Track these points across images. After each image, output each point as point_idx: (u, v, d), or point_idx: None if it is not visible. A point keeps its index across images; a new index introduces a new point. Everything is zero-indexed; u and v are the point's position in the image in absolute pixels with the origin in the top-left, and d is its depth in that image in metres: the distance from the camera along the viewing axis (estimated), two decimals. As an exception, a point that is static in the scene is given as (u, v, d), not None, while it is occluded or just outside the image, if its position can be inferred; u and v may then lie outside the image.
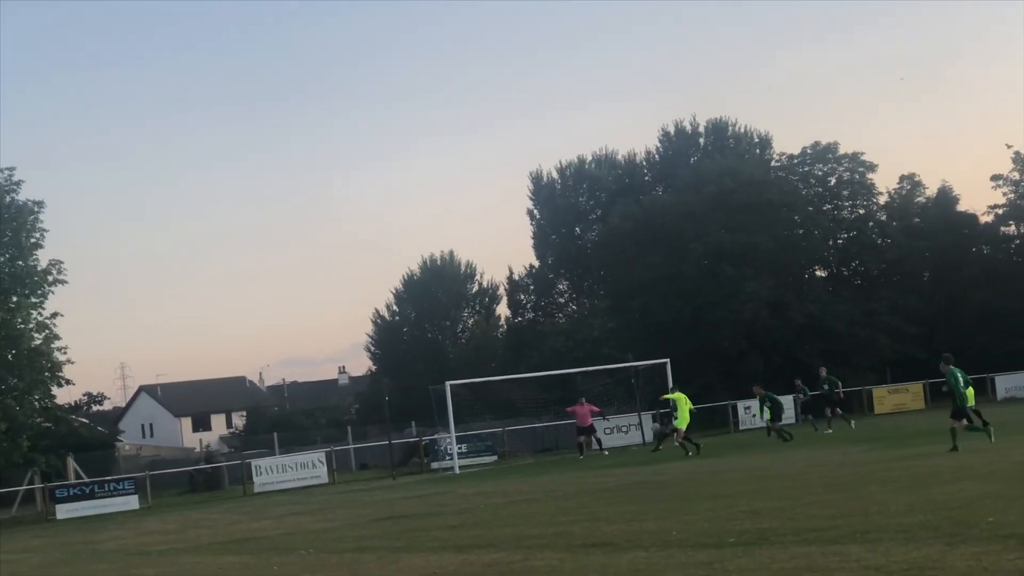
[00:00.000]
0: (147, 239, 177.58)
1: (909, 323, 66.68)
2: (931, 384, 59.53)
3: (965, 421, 29.19)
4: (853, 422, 46.03)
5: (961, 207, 73.83)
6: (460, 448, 50.06)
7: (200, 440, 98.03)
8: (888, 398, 58.32)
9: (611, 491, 27.76)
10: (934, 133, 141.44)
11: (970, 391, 35.29)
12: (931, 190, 74.34)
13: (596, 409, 47.75)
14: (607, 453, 45.16)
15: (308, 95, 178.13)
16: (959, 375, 29.55)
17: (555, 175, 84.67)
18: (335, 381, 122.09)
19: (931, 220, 72.10)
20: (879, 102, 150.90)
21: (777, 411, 44.83)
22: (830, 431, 44.05)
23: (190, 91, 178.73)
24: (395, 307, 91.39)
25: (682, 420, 40.78)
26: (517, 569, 15.44)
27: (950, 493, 19.19)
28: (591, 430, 47.07)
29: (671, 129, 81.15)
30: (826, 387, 47.11)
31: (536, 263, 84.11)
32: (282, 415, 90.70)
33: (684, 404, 41.11)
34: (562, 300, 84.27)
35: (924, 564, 12.55)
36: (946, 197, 73.85)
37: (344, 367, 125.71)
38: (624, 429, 51.03)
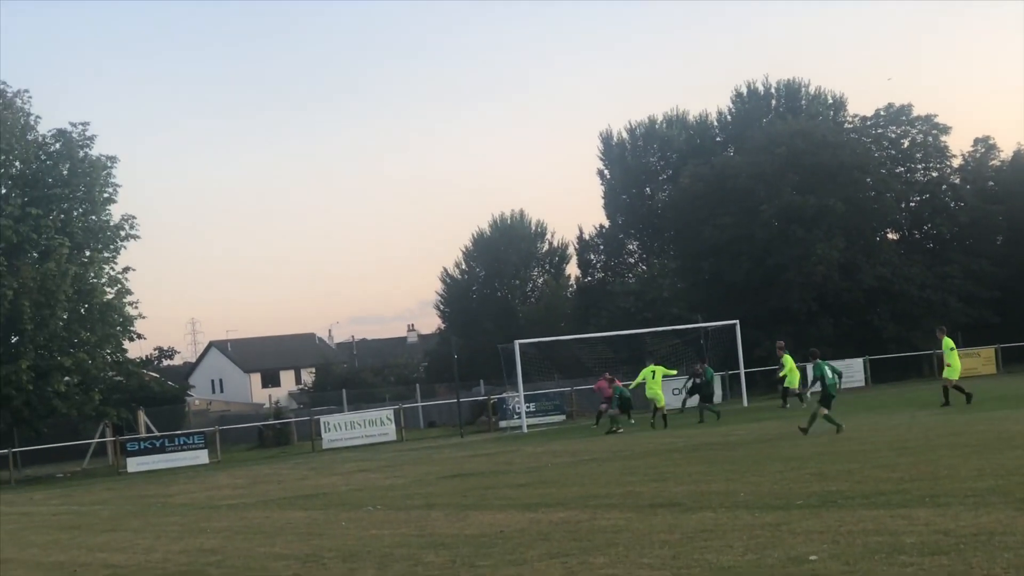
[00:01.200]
0: (219, 195, 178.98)
1: (982, 287, 65.94)
2: (1003, 349, 59.07)
3: (825, 410, 29.11)
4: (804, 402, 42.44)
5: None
6: (528, 407, 49.96)
7: (269, 396, 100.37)
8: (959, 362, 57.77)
9: (680, 452, 27.76)
10: (1010, 95, 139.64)
11: (956, 363, 35.51)
12: (1006, 153, 73.33)
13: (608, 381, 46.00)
14: (620, 431, 42.81)
15: (381, 57, 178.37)
16: (827, 368, 29.74)
17: (625, 135, 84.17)
18: (404, 339, 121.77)
19: (1006, 183, 71.10)
20: (955, 63, 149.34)
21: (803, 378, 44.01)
22: (804, 405, 41.53)
23: (262, 47, 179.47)
24: (464, 266, 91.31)
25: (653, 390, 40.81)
26: (584, 528, 15.52)
27: (1020, 458, 19.06)
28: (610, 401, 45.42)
29: (743, 90, 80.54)
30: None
31: (606, 223, 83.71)
32: (351, 372, 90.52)
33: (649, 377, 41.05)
34: (632, 260, 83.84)
35: (993, 529, 12.51)
36: (1021, 160, 72.80)
37: (413, 325, 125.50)
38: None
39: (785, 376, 43.97)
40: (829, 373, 29.65)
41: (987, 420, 28.04)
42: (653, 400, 40.68)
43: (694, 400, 44.11)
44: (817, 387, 30.32)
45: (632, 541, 13.99)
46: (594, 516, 16.67)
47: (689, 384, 44.96)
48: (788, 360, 43.91)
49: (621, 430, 39.61)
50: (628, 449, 30.51)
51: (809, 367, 34.71)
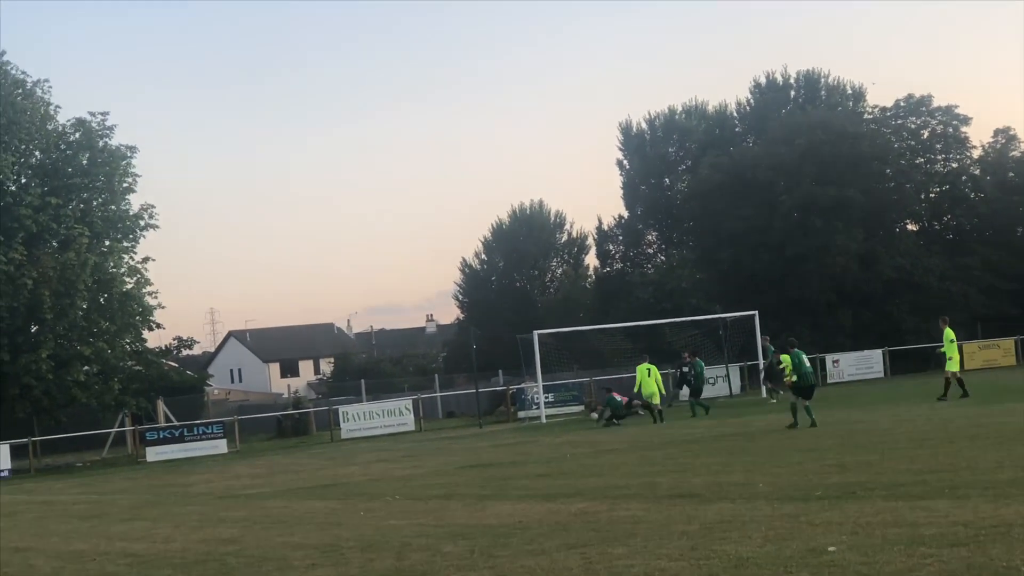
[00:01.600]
0: (239, 185, 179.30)
1: (1002, 279, 65.82)
2: (1022, 341, 58.93)
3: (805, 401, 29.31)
4: (776, 398, 42.98)
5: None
6: (547, 397, 50.07)
7: (288, 386, 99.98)
8: (979, 354, 57.55)
9: (699, 443, 27.76)
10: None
11: (956, 356, 35.35)
12: None
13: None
14: (611, 424, 42.32)
15: (399, 46, 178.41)
16: (802, 356, 30.15)
17: (644, 125, 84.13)
18: (423, 329, 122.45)
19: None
20: (975, 54, 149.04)
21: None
22: (774, 401, 42.33)
23: (283, 37, 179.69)
24: (484, 256, 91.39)
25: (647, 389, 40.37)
26: (603, 519, 15.53)
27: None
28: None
29: (762, 80, 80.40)
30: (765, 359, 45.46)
31: (625, 213, 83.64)
32: (370, 362, 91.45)
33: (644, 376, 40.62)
34: (651, 251, 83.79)
35: (1013, 521, 12.49)
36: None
37: (432, 315, 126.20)
38: (711, 381, 50.48)
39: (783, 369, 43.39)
40: (807, 363, 29.79)
41: (1008, 412, 27.96)
42: (649, 398, 40.25)
43: (685, 392, 44.05)
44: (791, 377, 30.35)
45: (650, 532, 14.00)
46: (612, 507, 16.65)
47: (677, 374, 44.88)
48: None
49: (619, 423, 39.75)
50: (647, 440, 30.54)
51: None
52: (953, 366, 36.04)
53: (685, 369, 43.59)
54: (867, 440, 23.80)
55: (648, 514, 15.59)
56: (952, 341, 36.43)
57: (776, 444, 25.18)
